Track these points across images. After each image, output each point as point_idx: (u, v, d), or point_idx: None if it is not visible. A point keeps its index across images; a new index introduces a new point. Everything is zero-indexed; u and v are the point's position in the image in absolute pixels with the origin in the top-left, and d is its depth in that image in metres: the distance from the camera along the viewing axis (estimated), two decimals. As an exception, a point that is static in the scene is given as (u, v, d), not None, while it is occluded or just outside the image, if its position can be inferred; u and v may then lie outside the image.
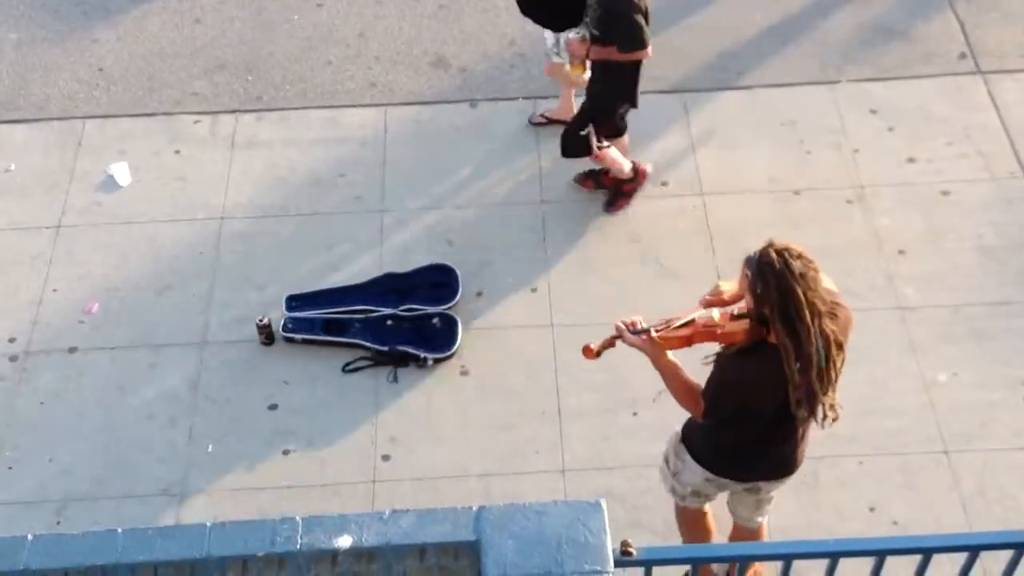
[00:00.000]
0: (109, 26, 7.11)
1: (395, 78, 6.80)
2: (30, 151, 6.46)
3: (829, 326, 3.70)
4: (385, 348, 5.52)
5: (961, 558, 3.40)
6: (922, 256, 5.85)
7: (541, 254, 5.91)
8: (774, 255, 3.64)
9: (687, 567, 4.39)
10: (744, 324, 3.78)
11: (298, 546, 2.93)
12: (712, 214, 6.04)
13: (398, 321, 5.63)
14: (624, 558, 3.08)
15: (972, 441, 5.18)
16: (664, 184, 6.16)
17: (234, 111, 6.66)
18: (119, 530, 2.96)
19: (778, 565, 3.58)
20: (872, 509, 4.98)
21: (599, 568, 2.85)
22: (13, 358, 5.59)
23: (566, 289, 5.78)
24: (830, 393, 3.80)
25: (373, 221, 6.09)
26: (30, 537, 2.95)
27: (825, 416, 3.85)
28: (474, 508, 2.97)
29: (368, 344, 5.55)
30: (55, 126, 6.57)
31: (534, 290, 5.76)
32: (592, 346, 3.97)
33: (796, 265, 3.63)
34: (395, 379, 5.48)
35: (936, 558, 3.36)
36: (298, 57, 6.94)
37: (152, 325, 5.70)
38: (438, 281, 5.76)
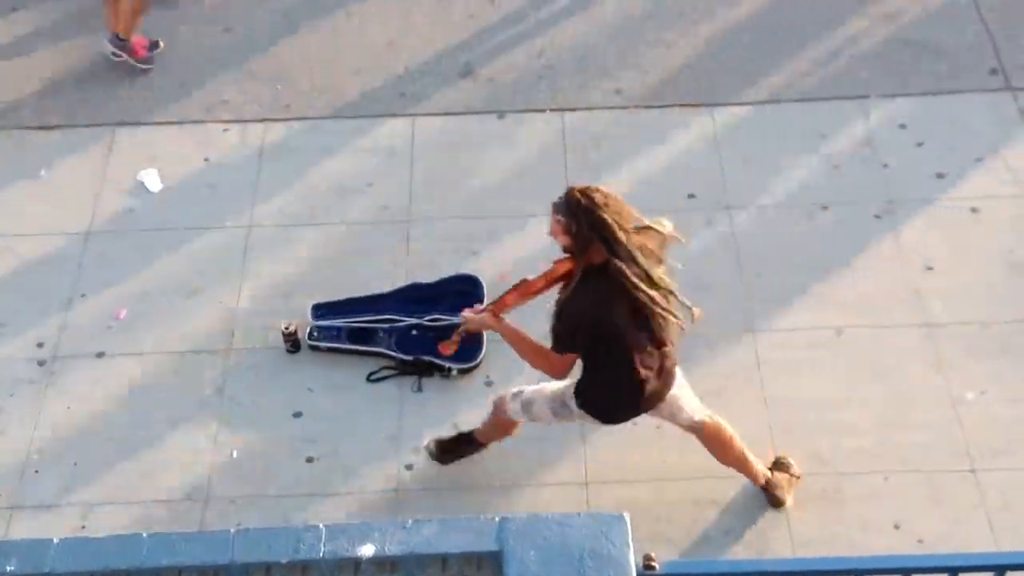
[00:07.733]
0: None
1: (423, 88, 6.82)
2: (62, 157, 6.51)
3: (637, 239, 4.21)
4: (410, 358, 5.53)
5: (987, 577, 3.38)
6: (950, 272, 5.81)
7: (567, 265, 5.89)
8: (577, 194, 4.16)
9: None
10: (567, 263, 4.28)
11: (321, 553, 2.94)
12: (738, 227, 6.02)
13: (423, 331, 5.64)
14: (647, 572, 3.08)
15: (999, 458, 5.13)
16: (691, 196, 6.15)
17: (263, 119, 6.69)
18: (144, 534, 2.99)
19: None
20: (897, 526, 4.95)
21: (621, 581, 2.85)
22: (41, 362, 5.63)
23: (591, 301, 5.76)
24: (671, 298, 4.27)
25: (399, 230, 6.10)
26: (55, 540, 2.98)
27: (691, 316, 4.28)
28: (497, 518, 2.97)
29: (393, 353, 5.56)
30: (86, 132, 6.63)
31: (559, 301, 5.75)
32: (447, 344, 4.60)
33: (597, 197, 4.15)
34: (419, 389, 5.49)
35: (961, 576, 3.34)
36: (327, 66, 6.97)
37: (179, 331, 5.73)
38: (463, 291, 5.76)
